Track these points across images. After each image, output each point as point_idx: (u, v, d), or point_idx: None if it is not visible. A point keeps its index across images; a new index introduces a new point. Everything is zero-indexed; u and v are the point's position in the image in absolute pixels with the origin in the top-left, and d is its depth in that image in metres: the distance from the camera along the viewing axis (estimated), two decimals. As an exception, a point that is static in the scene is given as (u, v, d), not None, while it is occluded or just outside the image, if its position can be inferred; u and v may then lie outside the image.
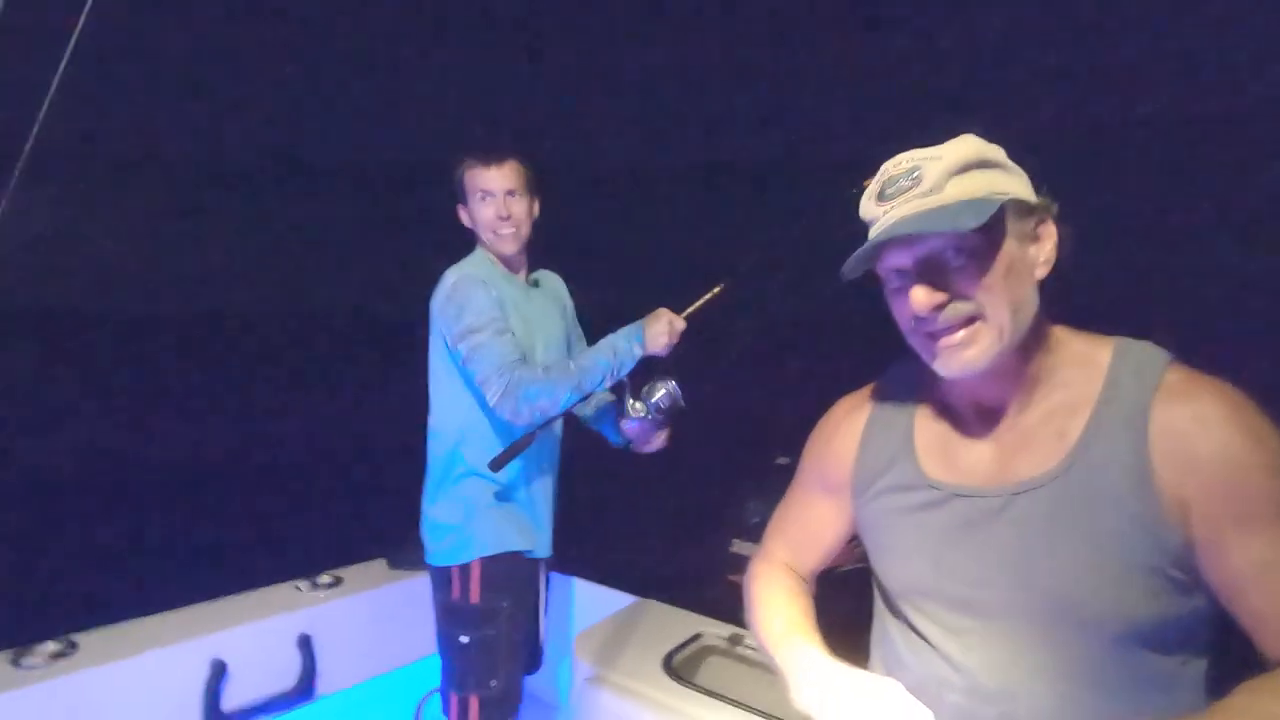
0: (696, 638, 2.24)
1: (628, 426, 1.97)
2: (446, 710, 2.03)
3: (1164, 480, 0.85)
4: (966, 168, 0.89)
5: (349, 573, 2.74)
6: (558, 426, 2.12)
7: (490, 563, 1.98)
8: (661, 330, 1.85)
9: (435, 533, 2.06)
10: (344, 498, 3.59)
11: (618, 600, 2.60)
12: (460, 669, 2.00)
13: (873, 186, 0.96)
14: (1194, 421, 0.85)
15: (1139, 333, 0.98)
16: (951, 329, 0.90)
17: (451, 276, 1.94)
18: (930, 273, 0.90)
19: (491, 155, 1.94)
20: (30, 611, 2.27)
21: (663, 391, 1.90)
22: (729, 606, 2.97)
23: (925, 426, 1.06)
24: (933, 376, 1.00)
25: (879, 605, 1.15)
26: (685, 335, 1.87)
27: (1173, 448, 0.85)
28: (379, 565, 2.84)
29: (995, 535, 0.93)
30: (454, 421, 2.01)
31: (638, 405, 1.90)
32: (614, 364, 1.84)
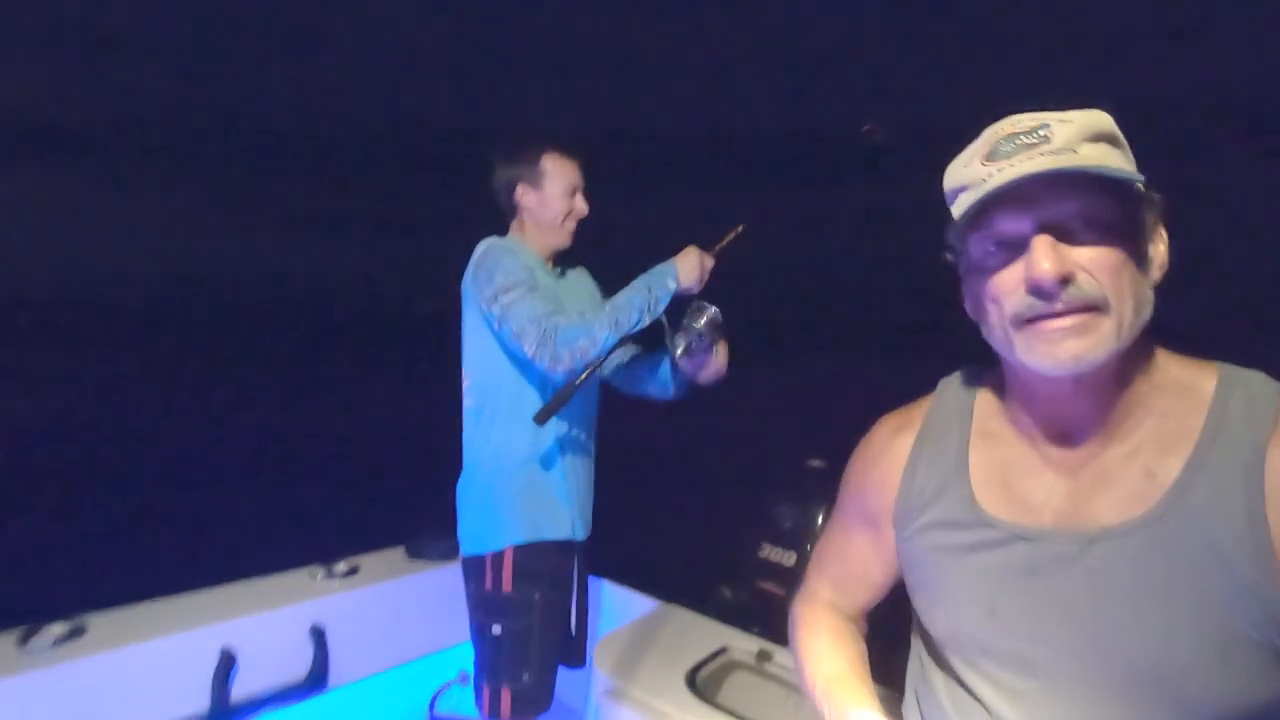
0: (722, 651, 2.13)
1: (681, 364, 1.92)
2: (479, 702, 1.97)
3: (1278, 532, 0.72)
4: (1100, 138, 0.76)
5: (366, 560, 2.68)
6: (594, 402, 2.07)
7: (522, 551, 1.92)
8: (693, 265, 1.84)
9: (468, 519, 2.00)
10: (367, 484, 3.54)
11: (641, 604, 2.50)
12: (492, 660, 1.94)
13: (977, 146, 0.81)
14: None
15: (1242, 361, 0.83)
16: (1068, 312, 0.74)
17: (483, 246, 1.95)
18: (1058, 237, 0.75)
19: (576, 149, 1.99)
20: (40, 587, 2.23)
21: (704, 317, 1.85)
22: (757, 614, 2.86)
23: (983, 452, 0.91)
24: (996, 392, 0.87)
25: (919, 646, 1.02)
26: (714, 273, 1.88)
27: None
28: (397, 554, 2.78)
29: (1066, 587, 0.79)
30: (489, 396, 1.95)
31: (679, 338, 1.85)
32: (649, 300, 1.81)
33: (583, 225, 2.03)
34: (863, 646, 1.03)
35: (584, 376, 1.80)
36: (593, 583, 2.72)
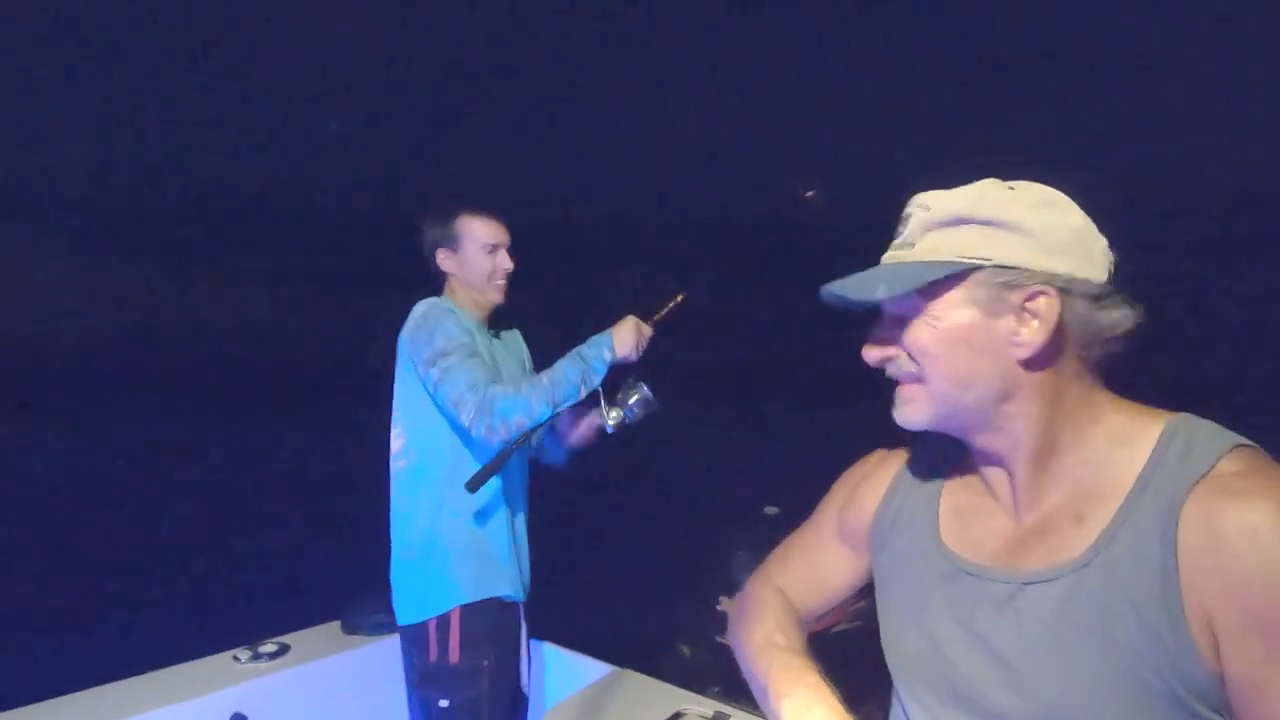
0: (677, 717, 2.01)
1: (585, 427, 2.00)
2: None
3: (1191, 594, 0.70)
4: (952, 222, 0.82)
5: (298, 638, 2.51)
6: (527, 463, 2.05)
7: (470, 612, 1.83)
8: (629, 335, 1.86)
9: (407, 585, 1.90)
10: (297, 558, 3.35)
11: (591, 670, 2.37)
12: None
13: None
14: (1238, 528, 0.68)
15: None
16: (901, 381, 0.87)
17: (422, 306, 1.92)
18: (882, 326, 0.87)
19: (494, 210, 2.01)
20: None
21: (636, 396, 1.91)
22: (717, 672, 2.75)
23: (953, 491, 0.96)
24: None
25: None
26: (652, 343, 1.91)
27: (1205, 558, 0.69)
28: (332, 629, 2.61)
29: (999, 628, 0.82)
30: (426, 456, 1.89)
31: (614, 413, 1.90)
32: (584, 372, 1.83)
33: (521, 294, 2.04)
34: (804, 637, 1.03)
35: (518, 444, 1.79)
36: (540, 649, 2.59)
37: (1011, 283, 0.78)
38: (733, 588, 2.81)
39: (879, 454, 1.09)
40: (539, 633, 2.57)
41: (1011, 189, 0.81)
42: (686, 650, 2.88)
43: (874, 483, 1.05)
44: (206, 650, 2.39)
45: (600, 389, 1.87)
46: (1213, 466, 0.72)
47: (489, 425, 1.72)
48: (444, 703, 1.82)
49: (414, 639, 1.87)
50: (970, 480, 0.94)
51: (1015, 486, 0.86)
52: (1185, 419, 0.79)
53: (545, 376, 1.81)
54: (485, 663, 1.83)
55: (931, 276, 0.79)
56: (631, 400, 1.90)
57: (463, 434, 1.84)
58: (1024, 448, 0.83)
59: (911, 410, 0.85)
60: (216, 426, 3.56)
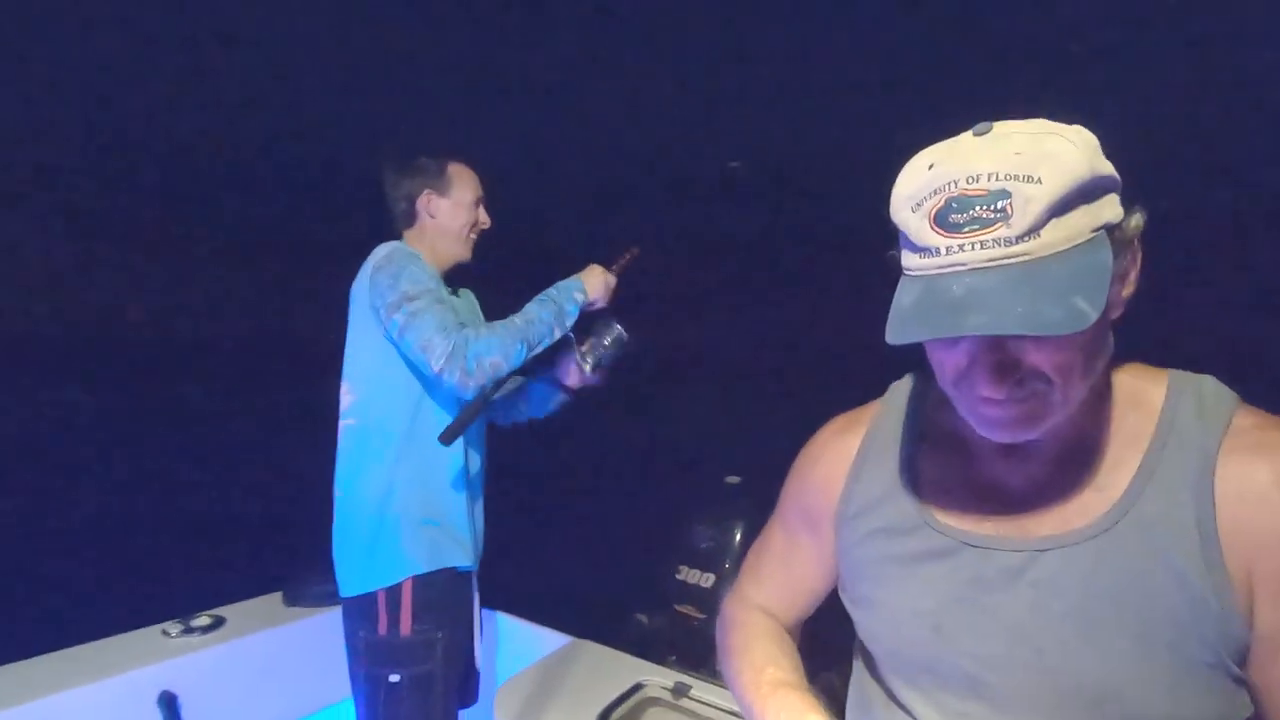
0: (637, 689, 1.94)
1: (589, 378, 1.92)
2: None
3: (1233, 553, 0.66)
4: (1073, 200, 0.64)
5: (235, 611, 2.37)
6: (484, 428, 1.94)
7: (422, 583, 1.73)
8: (598, 280, 1.85)
9: (353, 554, 1.77)
10: (241, 526, 3.18)
11: (548, 641, 2.29)
12: (390, 713, 1.72)
13: (928, 180, 0.68)
14: (1276, 484, 0.66)
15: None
16: (1011, 402, 0.70)
17: (385, 249, 1.80)
18: (994, 349, 0.69)
19: (475, 162, 1.95)
20: None
21: (610, 335, 1.89)
22: (676, 642, 2.70)
23: (933, 457, 0.85)
24: (947, 399, 0.79)
25: (859, 668, 0.93)
26: (616, 291, 1.90)
27: (1247, 514, 0.66)
28: (272, 601, 2.47)
29: (1013, 601, 0.74)
30: (379, 414, 1.75)
31: (588, 354, 1.88)
32: (556, 313, 1.79)
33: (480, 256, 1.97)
34: (799, 659, 0.93)
35: (493, 393, 1.70)
36: (496, 620, 2.50)
37: (1128, 236, 0.69)
38: (693, 557, 2.75)
39: (832, 426, 0.98)
40: (496, 603, 2.49)
41: (1073, 128, 0.68)
42: (645, 620, 2.82)
43: (833, 461, 0.94)
44: (136, 625, 2.24)
45: (571, 334, 1.83)
46: (1231, 422, 0.69)
47: (463, 369, 1.62)
48: (394, 677, 1.71)
49: (361, 611, 1.75)
50: (954, 440, 0.84)
51: (1028, 449, 0.77)
52: (1184, 376, 0.75)
53: (517, 318, 1.74)
54: (439, 635, 1.74)
55: (1103, 294, 0.63)
56: (607, 339, 1.87)
57: (426, 387, 1.73)
58: (1066, 418, 0.73)
59: (1033, 425, 0.70)
60: (148, 392, 3.37)
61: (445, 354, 1.61)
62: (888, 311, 0.70)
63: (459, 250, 1.92)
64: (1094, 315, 0.61)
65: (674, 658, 2.39)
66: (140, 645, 2.09)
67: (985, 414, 0.72)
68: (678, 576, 2.84)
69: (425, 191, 1.87)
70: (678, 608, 2.81)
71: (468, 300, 2.03)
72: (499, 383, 1.71)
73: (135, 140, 2.96)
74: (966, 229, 0.64)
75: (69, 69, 2.50)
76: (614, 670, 2.05)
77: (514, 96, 2.90)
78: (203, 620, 2.23)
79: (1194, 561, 0.66)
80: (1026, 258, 0.62)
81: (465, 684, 1.88)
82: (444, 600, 1.77)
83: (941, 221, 0.65)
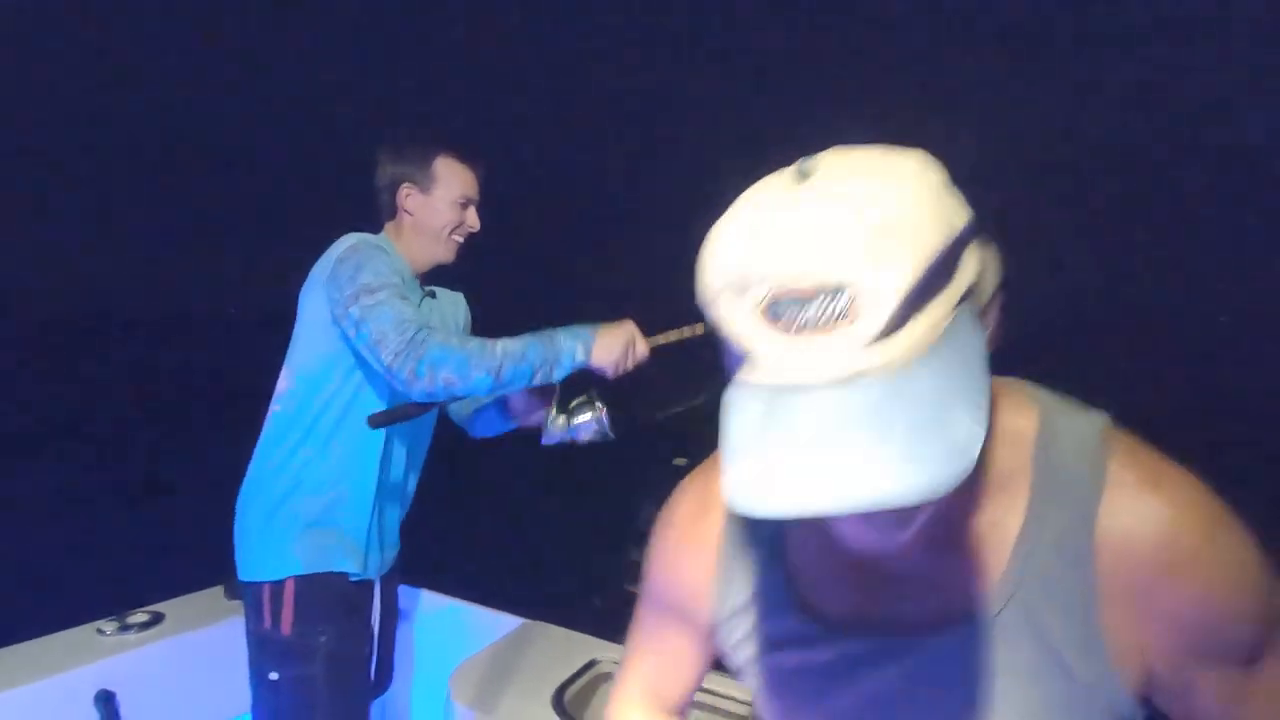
0: (590, 665, 1.96)
1: (546, 439, 1.75)
2: None
3: (1115, 622, 0.61)
4: (933, 280, 0.50)
5: (174, 606, 2.29)
6: (427, 440, 1.87)
7: (307, 584, 1.65)
8: (617, 344, 1.56)
9: (247, 537, 1.72)
10: (174, 520, 3.08)
11: (501, 624, 2.28)
12: (271, 709, 1.67)
13: (739, 264, 0.52)
14: (1159, 551, 0.60)
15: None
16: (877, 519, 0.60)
17: (350, 239, 1.67)
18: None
19: (477, 156, 1.78)
20: None
21: (588, 417, 1.64)
22: (626, 623, 2.73)
23: (801, 538, 0.75)
24: None
25: None
26: (644, 368, 1.61)
27: (1130, 582, 0.60)
28: (213, 595, 2.41)
29: (891, 690, 0.68)
30: (311, 407, 1.67)
31: (559, 421, 1.66)
32: (549, 360, 1.54)
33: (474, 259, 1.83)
34: None
35: (434, 406, 1.58)
36: (443, 603, 2.48)
37: (986, 290, 0.56)
38: (643, 538, 2.78)
39: (687, 506, 0.83)
40: (449, 589, 2.47)
41: (915, 162, 0.53)
42: (598, 601, 2.84)
43: (696, 556, 0.81)
44: (67, 625, 2.15)
45: (556, 388, 1.62)
46: (1107, 472, 0.62)
47: (413, 369, 1.48)
48: (274, 675, 1.64)
49: (250, 599, 1.70)
50: (814, 519, 0.70)
51: (886, 519, 0.62)
52: (1051, 403, 0.67)
53: (499, 344, 1.54)
54: (321, 639, 1.65)
55: (977, 444, 0.46)
56: (581, 419, 1.65)
57: (360, 392, 1.65)
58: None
59: (901, 533, 0.59)
60: (78, 380, 3.23)
61: (397, 348, 1.48)
62: None
63: (438, 251, 1.78)
64: (980, 432, 0.46)
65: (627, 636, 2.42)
66: (72, 645, 2.01)
67: (839, 530, 0.62)
68: (629, 558, 2.87)
69: (404, 185, 1.74)
70: (630, 588, 2.84)
71: (448, 304, 1.93)
72: (452, 399, 1.57)
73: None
74: (807, 329, 0.49)
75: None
76: (567, 649, 2.07)
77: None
78: (139, 617, 2.16)
79: (1071, 641, 0.62)
80: (886, 372, 0.48)
81: (358, 698, 1.78)
82: (330, 604, 1.67)
83: (774, 316, 0.51)
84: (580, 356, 1.55)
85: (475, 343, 1.52)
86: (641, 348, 1.59)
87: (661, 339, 1.59)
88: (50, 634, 2.07)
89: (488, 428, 1.94)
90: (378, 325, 1.51)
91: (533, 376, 1.53)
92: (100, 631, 2.08)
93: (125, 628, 2.10)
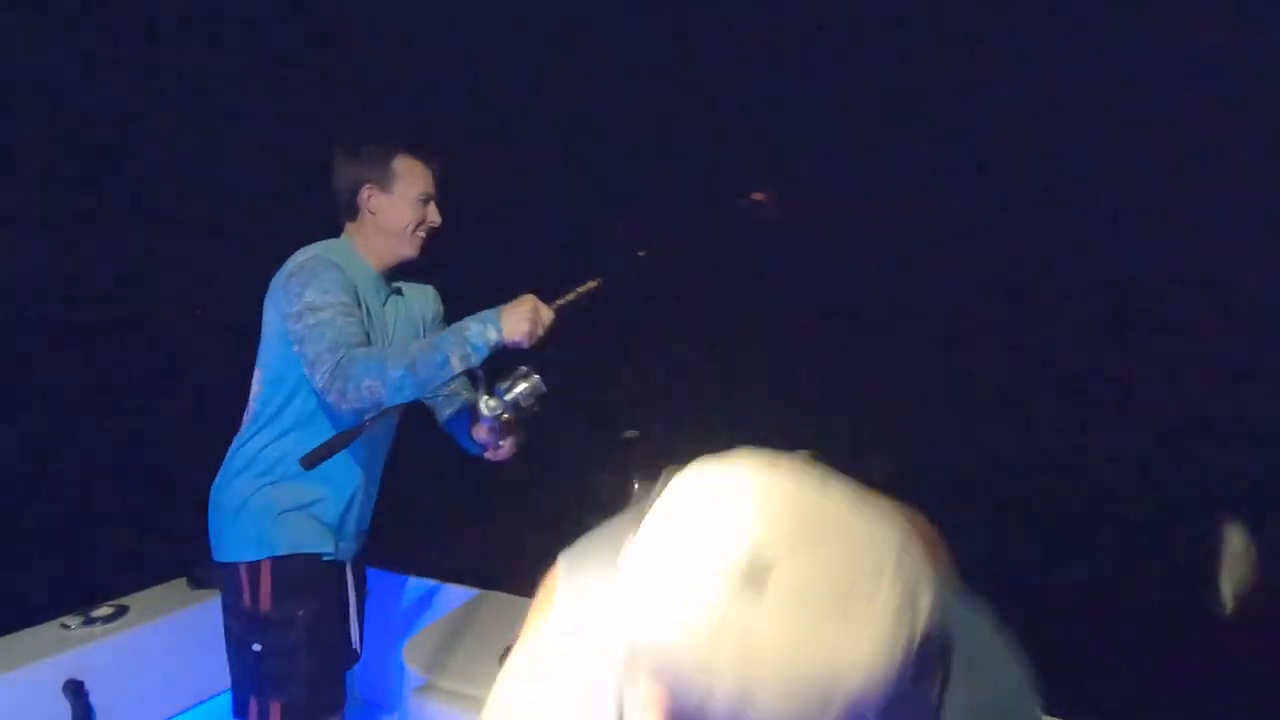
0: (540, 629, 2.07)
1: (481, 426, 1.79)
2: (245, 714, 1.77)
3: None
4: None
5: (138, 599, 2.37)
6: (390, 436, 1.93)
7: (282, 565, 1.75)
8: (523, 317, 1.61)
9: (222, 521, 1.80)
10: (138, 513, 3.13)
11: (455, 596, 2.40)
12: (256, 676, 1.77)
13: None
14: None
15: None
16: None
17: (303, 254, 1.73)
18: None
19: (433, 152, 1.82)
20: None
21: (523, 387, 1.67)
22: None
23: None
24: None
25: None
26: (554, 330, 1.66)
27: None
28: (177, 587, 2.48)
29: None
30: (282, 403, 1.77)
31: (491, 402, 1.67)
32: (460, 349, 1.59)
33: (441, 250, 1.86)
34: None
35: (370, 422, 1.62)
36: (399, 580, 2.58)
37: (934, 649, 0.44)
38: (597, 508, 2.89)
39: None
40: (403, 565, 2.57)
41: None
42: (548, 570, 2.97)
43: None
44: (31, 621, 2.22)
45: (480, 372, 1.65)
46: None
47: (339, 389, 1.55)
48: (257, 647, 1.74)
49: (227, 577, 1.78)
50: None
51: None
52: None
53: (415, 344, 1.63)
54: (300, 613, 1.75)
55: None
56: (517, 390, 1.68)
57: (317, 400, 1.72)
58: None
59: None
60: (41, 369, 3.24)
61: (329, 372, 1.56)
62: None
63: (402, 249, 1.82)
64: None
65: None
66: (37, 640, 2.08)
67: None
68: (586, 527, 3.00)
69: (366, 185, 1.78)
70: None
71: (415, 301, 1.96)
72: (383, 411, 1.62)
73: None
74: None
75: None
76: (520, 616, 2.16)
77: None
78: (104, 611, 2.24)
79: None
80: None
81: (342, 665, 1.88)
82: (306, 583, 1.77)
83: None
84: (493, 336, 1.60)
85: (391, 349, 1.64)
86: (546, 314, 1.65)
87: (561, 301, 1.67)
88: (13, 633, 2.14)
89: (469, 446, 1.97)
90: (314, 347, 1.59)
91: (447, 366, 1.58)
92: (65, 626, 2.15)
93: (89, 621, 2.17)
